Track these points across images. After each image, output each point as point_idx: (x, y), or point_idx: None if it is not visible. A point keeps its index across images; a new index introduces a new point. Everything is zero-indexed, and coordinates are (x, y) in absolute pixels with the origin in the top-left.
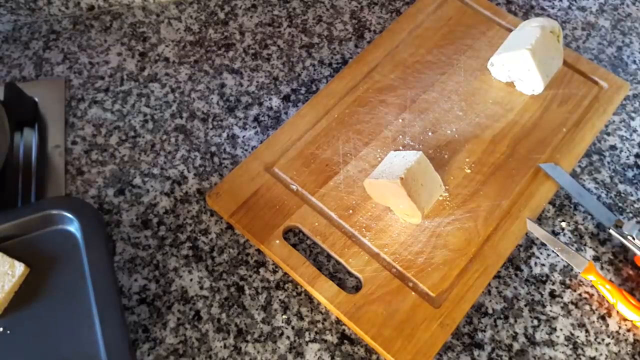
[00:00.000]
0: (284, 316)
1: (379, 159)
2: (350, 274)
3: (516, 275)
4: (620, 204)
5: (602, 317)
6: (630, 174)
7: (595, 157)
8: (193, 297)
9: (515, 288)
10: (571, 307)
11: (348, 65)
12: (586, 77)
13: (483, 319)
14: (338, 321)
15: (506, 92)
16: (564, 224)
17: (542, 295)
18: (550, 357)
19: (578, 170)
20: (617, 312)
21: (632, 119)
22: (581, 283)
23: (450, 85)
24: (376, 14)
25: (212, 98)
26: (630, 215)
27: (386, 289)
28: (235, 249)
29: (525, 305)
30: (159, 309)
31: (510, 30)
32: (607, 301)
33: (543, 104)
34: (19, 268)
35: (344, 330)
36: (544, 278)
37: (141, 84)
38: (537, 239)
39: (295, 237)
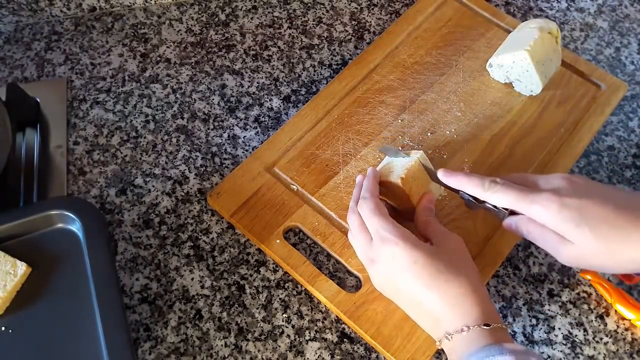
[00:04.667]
0: (284, 315)
1: (379, 159)
2: (350, 273)
3: (514, 274)
4: None
5: (600, 316)
6: (628, 174)
7: (593, 158)
8: (194, 296)
9: (513, 287)
10: (569, 306)
11: (348, 67)
12: (584, 77)
13: None
14: (338, 320)
15: (505, 93)
16: None
17: (540, 294)
18: (549, 356)
19: (576, 170)
20: (615, 311)
21: (630, 119)
22: (579, 282)
23: (449, 86)
24: (376, 15)
25: (213, 99)
26: None
27: None
28: (236, 249)
29: (524, 304)
30: (160, 308)
31: (509, 32)
32: (605, 300)
33: (541, 105)
34: (21, 267)
35: (343, 328)
36: (542, 277)
37: (142, 84)
38: None
39: (295, 237)
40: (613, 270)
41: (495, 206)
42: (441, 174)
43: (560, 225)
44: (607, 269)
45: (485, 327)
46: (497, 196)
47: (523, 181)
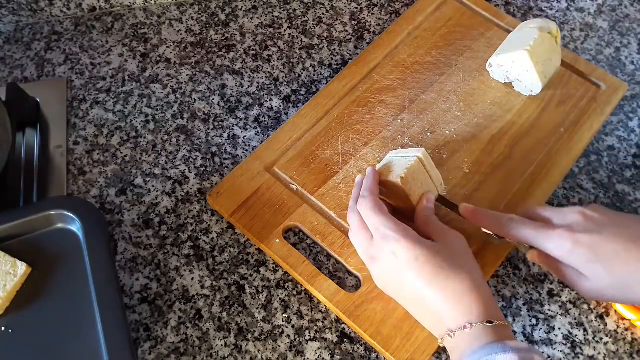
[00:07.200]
0: (284, 315)
1: (379, 158)
2: (350, 273)
3: (515, 274)
4: (618, 204)
5: (600, 316)
6: (628, 174)
7: (593, 158)
8: (194, 296)
9: (513, 287)
10: (569, 306)
11: (348, 66)
12: (584, 77)
13: None
14: (338, 320)
15: (504, 92)
16: None
17: (540, 294)
18: (549, 356)
19: (576, 170)
20: (615, 311)
21: (630, 119)
22: None
23: (449, 86)
24: (376, 15)
25: (213, 99)
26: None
27: None
28: (236, 248)
29: (524, 305)
30: (160, 308)
31: (508, 32)
32: None
33: (541, 105)
34: (21, 267)
35: (343, 328)
36: (542, 277)
37: (142, 84)
38: None
39: (295, 237)
40: (636, 302)
41: None
42: (462, 210)
43: (574, 262)
44: (628, 301)
45: (488, 324)
46: (513, 234)
47: (539, 216)
